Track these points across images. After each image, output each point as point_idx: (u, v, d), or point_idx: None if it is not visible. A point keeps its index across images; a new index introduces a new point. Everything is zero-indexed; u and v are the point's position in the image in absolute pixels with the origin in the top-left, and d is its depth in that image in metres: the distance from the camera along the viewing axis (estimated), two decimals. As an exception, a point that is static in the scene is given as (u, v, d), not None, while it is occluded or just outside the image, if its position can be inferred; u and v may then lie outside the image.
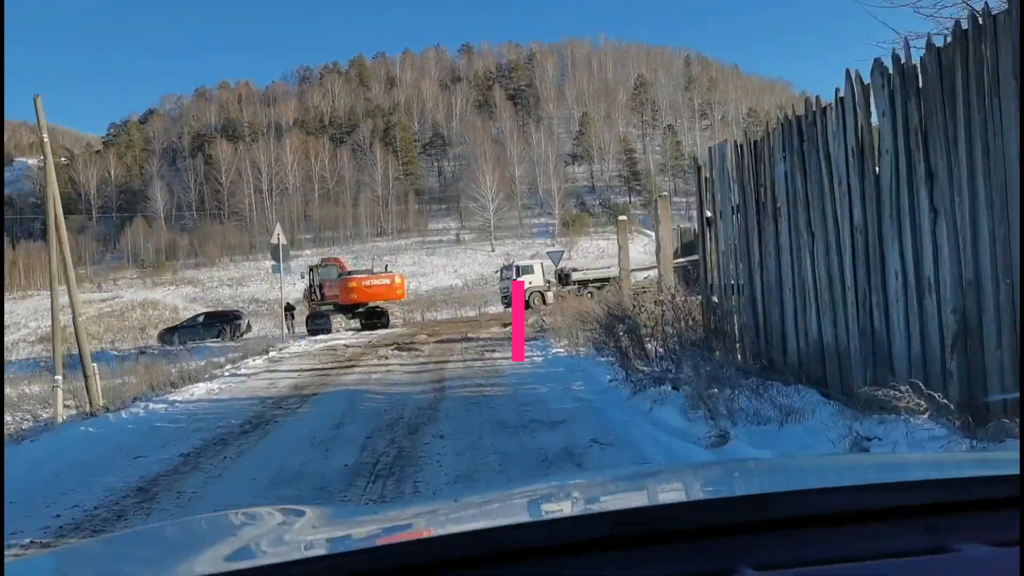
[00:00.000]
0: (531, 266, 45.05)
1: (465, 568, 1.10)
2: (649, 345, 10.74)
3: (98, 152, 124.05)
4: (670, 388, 8.57)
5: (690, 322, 10.30)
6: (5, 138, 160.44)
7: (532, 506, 1.73)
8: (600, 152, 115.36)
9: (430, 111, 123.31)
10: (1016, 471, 1.33)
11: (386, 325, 32.68)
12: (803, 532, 1.22)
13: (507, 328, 26.47)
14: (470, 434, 7.62)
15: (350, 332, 30.89)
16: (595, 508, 1.58)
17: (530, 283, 44.13)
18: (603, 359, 12.76)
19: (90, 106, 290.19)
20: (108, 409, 12.04)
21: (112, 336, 59.17)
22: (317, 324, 33.35)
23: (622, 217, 17.24)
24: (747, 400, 6.84)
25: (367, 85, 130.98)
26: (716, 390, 7.14)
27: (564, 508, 1.70)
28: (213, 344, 33.68)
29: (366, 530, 1.58)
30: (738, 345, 9.41)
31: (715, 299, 10.26)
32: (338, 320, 31.73)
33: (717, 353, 9.31)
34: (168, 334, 36.62)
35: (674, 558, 1.14)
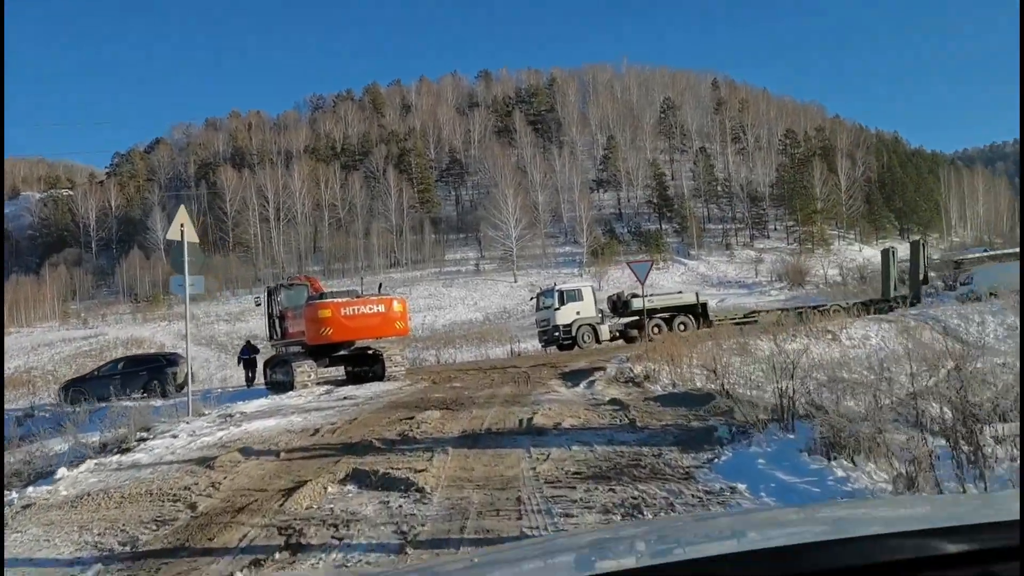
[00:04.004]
0: (578, 291, 32.82)
1: None
2: None
3: (101, 183, 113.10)
4: None
5: None
6: (8, 173, 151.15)
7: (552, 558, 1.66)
8: (628, 178, 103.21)
9: (447, 137, 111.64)
10: None
11: (380, 375, 20.50)
12: None
13: (576, 387, 14.39)
14: None
15: (323, 389, 18.67)
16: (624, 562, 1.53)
17: (578, 314, 31.85)
18: None
19: (102, 142, 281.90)
20: None
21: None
22: (276, 375, 21.29)
23: None
24: None
25: (381, 112, 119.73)
26: None
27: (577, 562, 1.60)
28: (131, 403, 21.65)
29: None
30: None
31: None
32: (307, 369, 19.44)
33: None
34: (73, 387, 24.49)
35: None
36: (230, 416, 13.00)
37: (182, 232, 14.60)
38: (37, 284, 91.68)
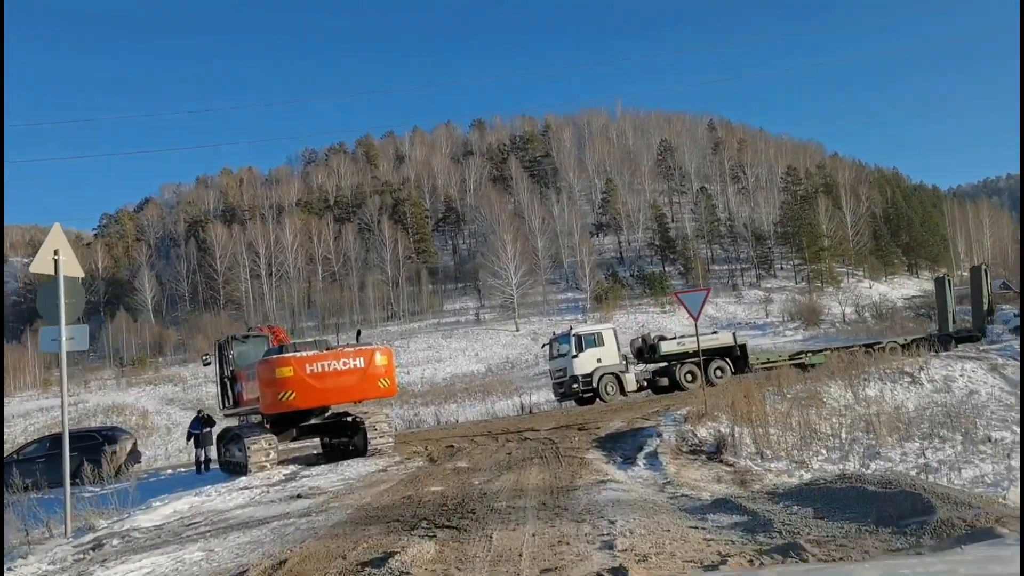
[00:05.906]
0: (599, 334, 28.00)
1: None
2: None
3: (88, 245, 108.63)
4: None
5: None
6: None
7: None
8: (628, 220, 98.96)
9: (442, 186, 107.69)
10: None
11: (361, 450, 15.57)
12: None
13: (632, 466, 9.47)
14: None
15: (282, 474, 13.84)
16: None
17: (599, 361, 26.97)
18: None
19: (93, 206, 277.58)
20: None
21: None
22: (230, 455, 16.39)
23: None
24: None
25: (375, 164, 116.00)
26: None
27: None
28: (51, 494, 16.60)
29: None
30: None
31: None
32: (263, 446, 14.50)
33: None
34: (-13, 474, 19.42)
35: None
36: (108, 539, 8.06)
37: (56, 263, 9.84)
38: (20, 351, 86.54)
